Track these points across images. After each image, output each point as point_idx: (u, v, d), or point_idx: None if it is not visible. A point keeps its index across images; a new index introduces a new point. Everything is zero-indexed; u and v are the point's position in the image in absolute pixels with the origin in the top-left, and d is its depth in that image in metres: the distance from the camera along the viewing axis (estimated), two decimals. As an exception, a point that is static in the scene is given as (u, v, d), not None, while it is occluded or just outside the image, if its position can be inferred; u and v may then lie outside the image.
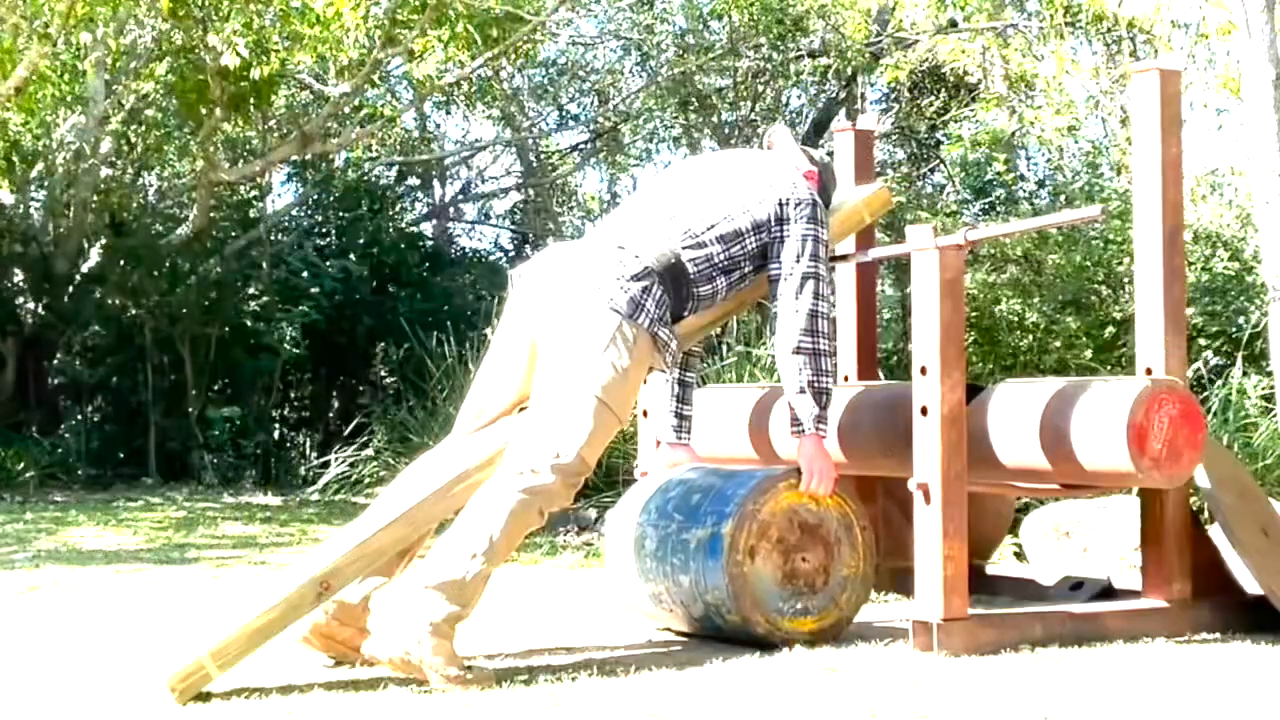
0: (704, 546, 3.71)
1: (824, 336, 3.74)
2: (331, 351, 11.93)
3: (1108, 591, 4.34)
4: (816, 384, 3.73)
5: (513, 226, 15.31)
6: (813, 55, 11.64)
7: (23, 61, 8.94)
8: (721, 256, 3.78)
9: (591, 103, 14.11)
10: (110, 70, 10.82)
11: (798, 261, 3.78)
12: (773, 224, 3.80)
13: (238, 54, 8.81)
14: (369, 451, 9.18)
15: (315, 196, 12.85)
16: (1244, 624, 4.01)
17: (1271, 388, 6.36)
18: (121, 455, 11.23)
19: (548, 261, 3.86)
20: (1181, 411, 3.77)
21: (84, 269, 11.31)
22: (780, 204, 3.81)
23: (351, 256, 12.16)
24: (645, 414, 4.51)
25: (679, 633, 4.02)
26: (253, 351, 11.45)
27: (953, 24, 10.70)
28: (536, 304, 3.76)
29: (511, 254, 14.42)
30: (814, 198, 3.86)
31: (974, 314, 8.20)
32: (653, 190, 4.03)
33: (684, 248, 3.75)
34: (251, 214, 12.76)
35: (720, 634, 3.82)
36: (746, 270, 3.84)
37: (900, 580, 4.59)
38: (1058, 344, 8.23)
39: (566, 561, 5.99)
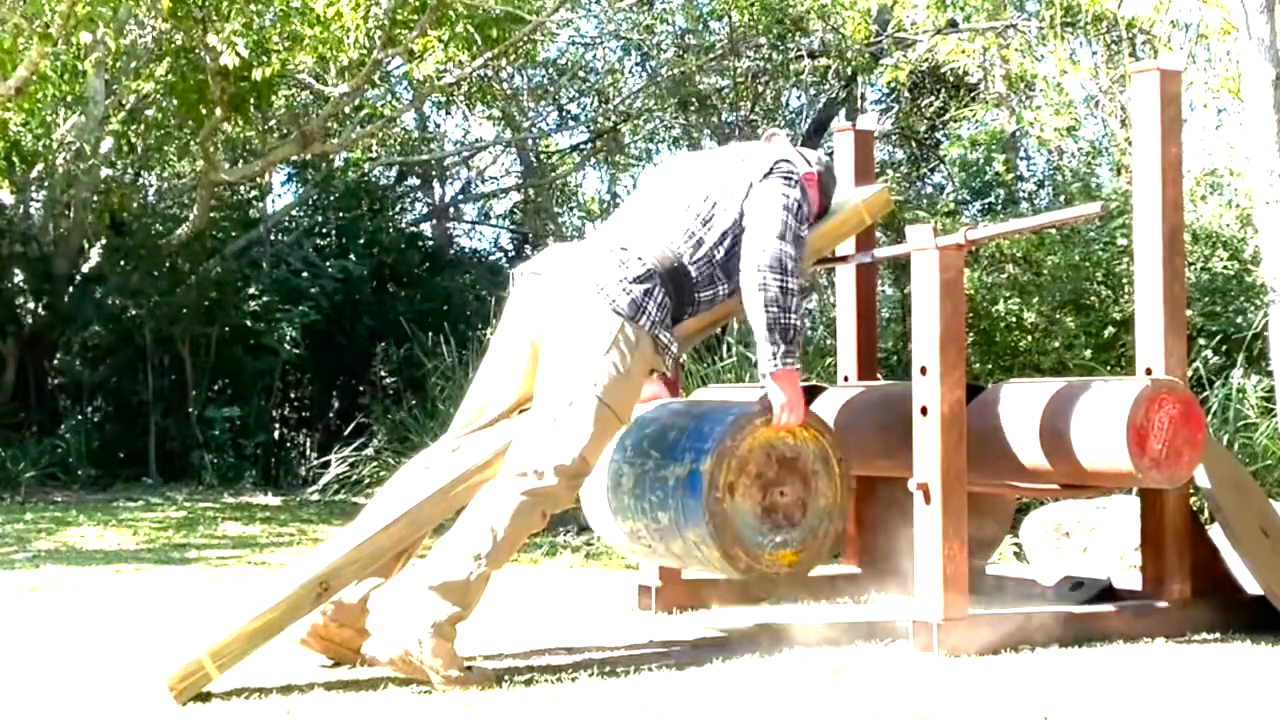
0: (683, 484, 3.71)
1: (790, 276, 3.70)
2: (331, 351, 11.93)
3: (1108, 591, 4.34)
4: (782, 320, 3.69)
5: (513, 226, 15.30)
6: (813, 55, 11.63)
7: (23, 61, 8.93)
8: (720, 252, 3.77)
9: (591, 103, 14.10)
10: (110, 70, 10.82)
11: (769, 209, 3.76)
12: (751, 194, 3.80)
13: (238, 54, 8.80)
14: (369, 451, 9.18)
15: (315, 196, 12.85)
16: (1244, 624, 4.01)
17: (1271, 388, 6.36)
18: (122, 455, 11.22)
19: (549, 262, 3.86)
20: (1181, 411, 3.77)
21: (84, 269, 11.31)
22: (759, 174, 3.82)
23: (351, 256, 12.15)
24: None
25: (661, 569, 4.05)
26: (253, 351, 11.44)
27: (953, 24, 10.69)
28: (538, 304, 3.76)
29: (511, 254, 14.41)
30: (794, 168, 3.87)
31: (972, 314, 8.20)
32: (653, 189, 4.02)
33: (685, 247, 3.75)
34: (251, 214, 12.75)
35: (700, 567, 3.84)
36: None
37: (900, 580, 4.59)
38: (1056, 344, 8.23)
39: (566, 561, 5.99)
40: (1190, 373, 6.37)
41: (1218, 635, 3.96)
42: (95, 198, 11.24)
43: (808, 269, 4.24)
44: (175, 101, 10.75)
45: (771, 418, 3.74)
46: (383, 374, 12.18)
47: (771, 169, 3.84)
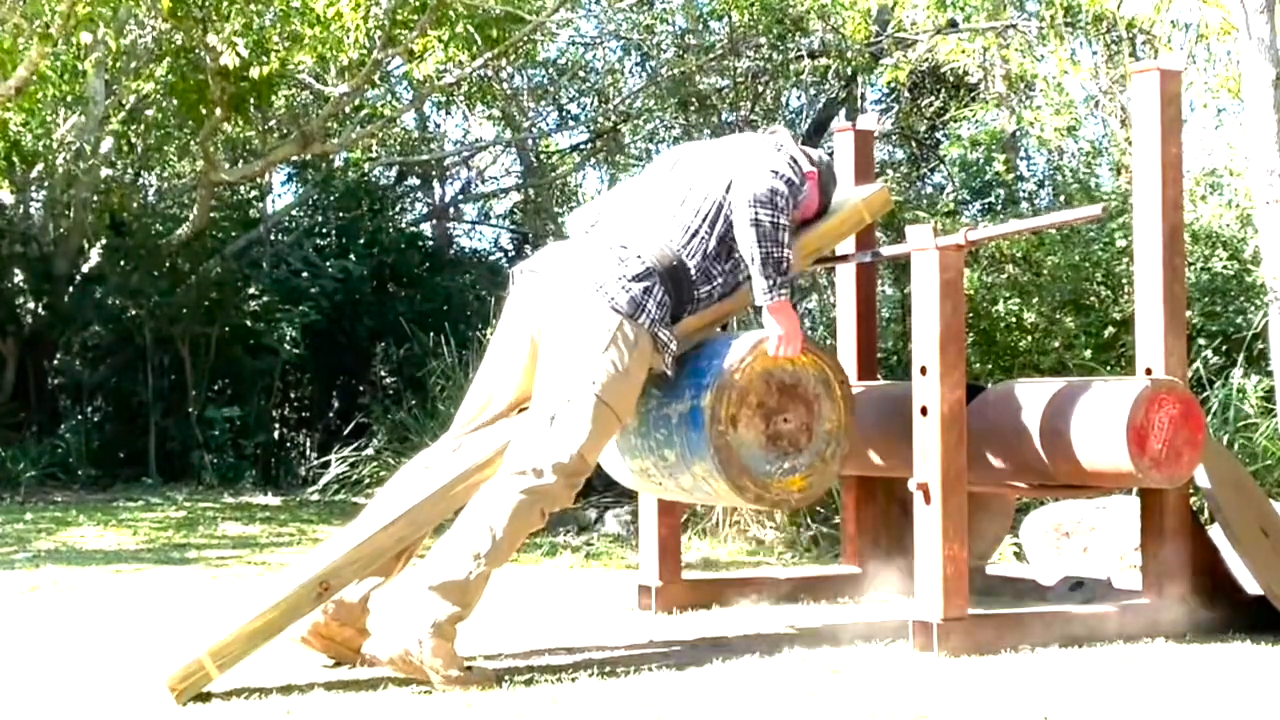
0: (685, 420, 3.73)
1: (781, 212, 3.71)
2: (331, 351, 11.92)
3: (1108, 591, 4.34)
4: (775, 254, 3.70)
5: (513, 226, 15.30)
6: (813, 55, 11.63)
7: (23, 61, 8.93)
8: (712, 243, 3.77)
9: (591, 103, 14.10)
10: (110, 70, 10.82)
11: (761, 158, 3.80)
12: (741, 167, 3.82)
13: (238, 54, 8.80)
14: (369, 451, 9.17)
15: (315, 196, 12.85)
16: (1244, 624, 4.01)
17: (1271, 388, 6.36)
18: (122, 455, 11.21)
19: (549, 260, 3.86)
20: (1181, 411, 3.77)
21: (84, 269, 11.31)
22: (748, 156, 3.84)
23: (351, 256, 12.15)
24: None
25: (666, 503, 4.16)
26: (253, 351, 11.44)
27: (953, 24, 10.69)
28: (538, 303, 3.76)
29: (511, 254, 14.41)
30: (783, 141, 3.88)
31: (972, 314, 8.19)
32: (651, 184, 4.01)
33: (682, 244, 3.75)
34: (251, 214, 12.75)
35: (710, 500, 3.90)
36: (744, 270, 3.83)
37: (900, 580, 4.59)
38: (1056, 344, 8.23)
39: (566, 561, 5.99)
40: (1190, 373, 6.37)
41: (1218, 635, 3.95)
42: (95, 198, 11.24)
43: (807, 267, 4.25)
44: (175, 101, 10.74)
45: (767, 348, 3.75)
46: (383, 374, 12.18)
47: (763, 155, 3.85)
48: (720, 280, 3.81)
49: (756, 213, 3.69)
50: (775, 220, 3.70)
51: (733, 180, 3.80)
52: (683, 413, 3.74)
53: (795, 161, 3.87)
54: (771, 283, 3.71)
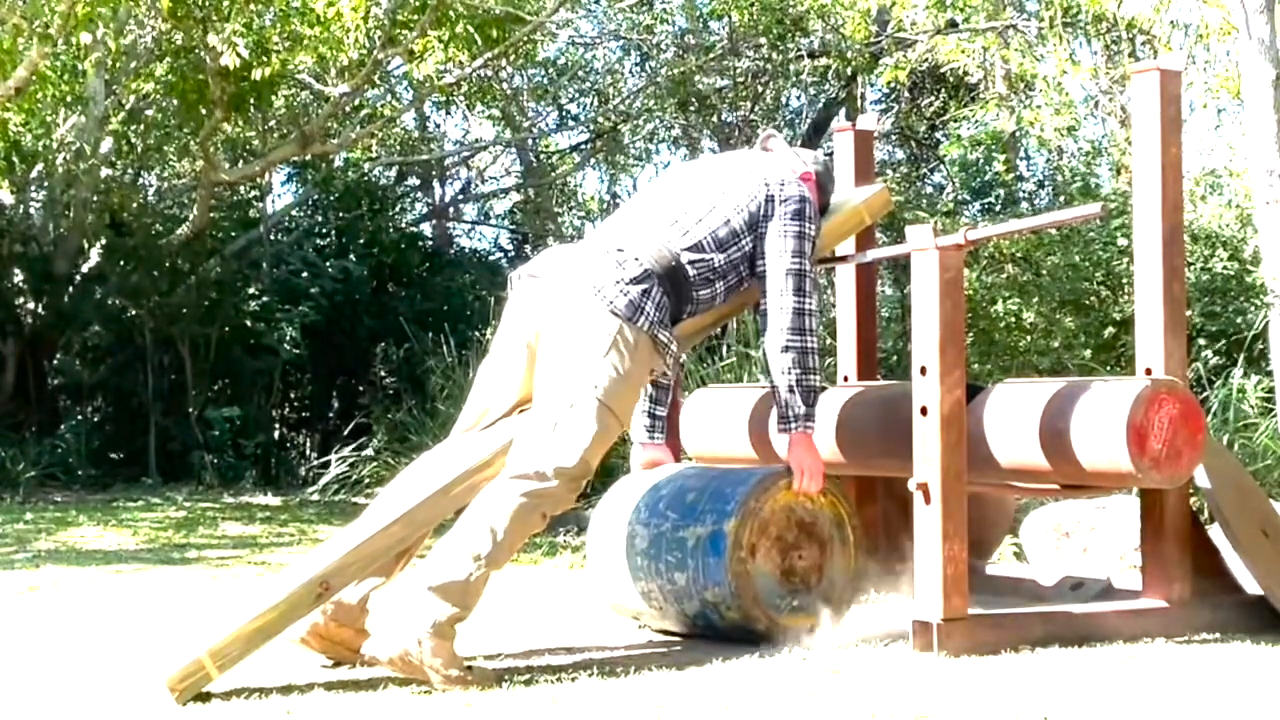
0: (704, 544, 3.72)
1: (811, 334, 3.76)
2: (331, 351, 11.94)
3: (1108, 591, 4.34)
4: (805, 382, 3.75)
5: (513, 226, 15.32)
6: (812, 55, 11.64)
7: (23, 61, 8.93)
8: (720, 260, 3.78)
9: (591, 103, 14.11)
10: (110, 70, 10.82)
11: (783, 258, 3.78)
12: (761, 221, 3.82)
13: (238, 54, 8.81)
14: (369, 451, 9.19)
15: (315, 196, 12.86)
16: (1244, 624, 4.01)
17: (1271, 388, 6.36)
18: (121, 455, 11.23)
19: (548, 263, 3.86)
20: (1181, 411, 3.77)
21: (84, 269, 11.32)
22: (768, 200, 3.83)
23: (351, 256, 12.17)
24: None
25: (664, 631, 4.03)
26: (253, 351, 11.45)
27: (952, 24, 10.70)
28: (537, 306, 3.76)
29: (511, 254, 14.43)
30: (803, 194, 3.86)
31: (972, 314, 8.20)
32: (652, 193, 4.03)
33: (683, 250, 3.75)
34: (251, 214, 12.76)
35: (713, 631, 3.83)
36: (744, 272, 3.84)
37: (899, 580, 4.58)
38: (1056, 344, 8.23)
39: (566, 562, 5.99)
40: (1190, 373, 6.37)
41: (1218, 635, 3.95)
42: (95, 198, 11.24)
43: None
44: (175, 101, 10.75)
45: (793, 481, 3.78)
46: (383, 374, 12.19)
47: (783, 198, 3.83)
48: (721, 283, 3.81)
49: (786, 340, 3.72)
50: (804, 345, 3.72)
51: (746, 224, 3.78)
52: (702, 536, 3.74)
53: (814, 241, 3.84)
54: (797, 412, 3.74)
